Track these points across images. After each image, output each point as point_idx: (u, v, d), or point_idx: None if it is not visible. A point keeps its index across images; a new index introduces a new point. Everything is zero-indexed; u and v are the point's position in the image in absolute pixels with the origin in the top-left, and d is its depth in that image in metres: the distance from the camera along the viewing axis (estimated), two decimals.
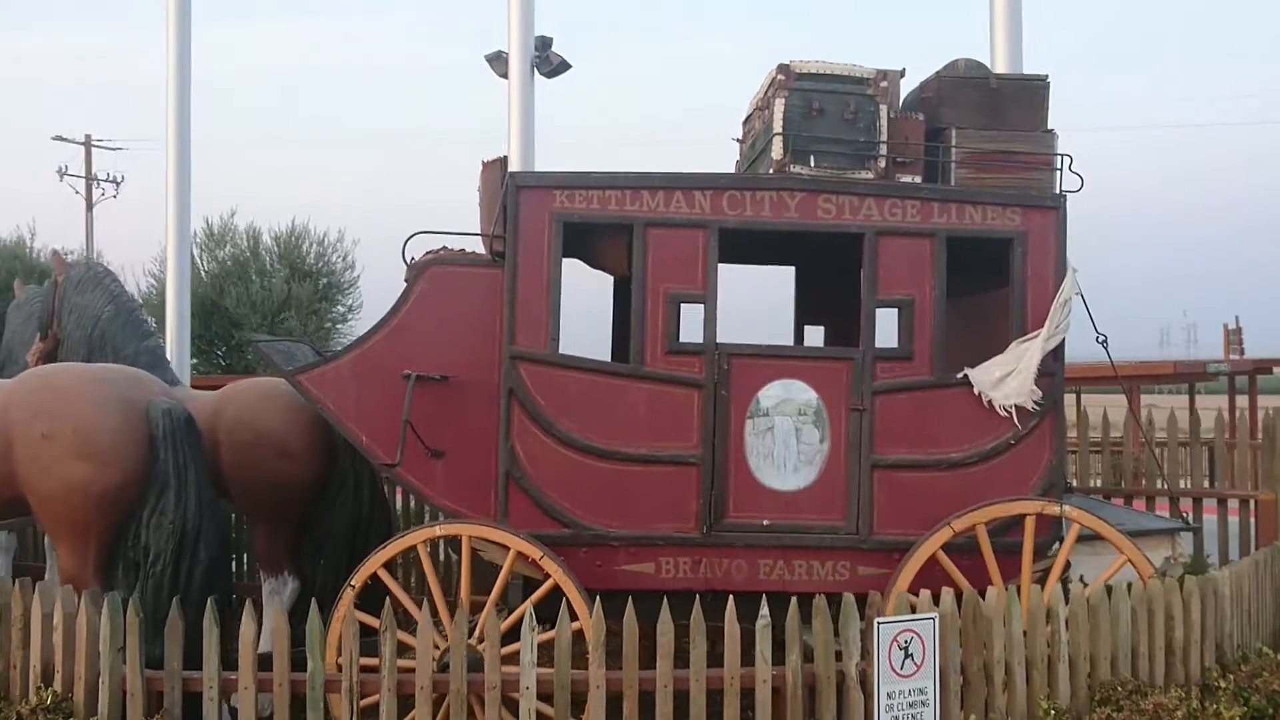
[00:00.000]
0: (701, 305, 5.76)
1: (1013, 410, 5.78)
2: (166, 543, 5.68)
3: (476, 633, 5.26)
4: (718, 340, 5.74)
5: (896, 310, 5.83)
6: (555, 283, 5.71)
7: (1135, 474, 8.58)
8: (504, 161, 5.87)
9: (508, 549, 5.46)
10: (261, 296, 25.60)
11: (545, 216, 5.70)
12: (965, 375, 5.82)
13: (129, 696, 4.33)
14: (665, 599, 4.76)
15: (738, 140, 6.92)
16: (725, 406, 5.73)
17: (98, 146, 37.04)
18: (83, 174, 36.61)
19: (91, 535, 5.69)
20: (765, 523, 5.73)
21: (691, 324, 5.88)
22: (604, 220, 5.77)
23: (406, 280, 6.01)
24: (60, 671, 4.44)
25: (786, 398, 5.78)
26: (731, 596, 4.90)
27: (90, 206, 36.77)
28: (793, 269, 7.59)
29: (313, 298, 26.80)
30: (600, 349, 7.09)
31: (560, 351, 5.71)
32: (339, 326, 28.17)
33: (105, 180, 37.11)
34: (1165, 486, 8.24)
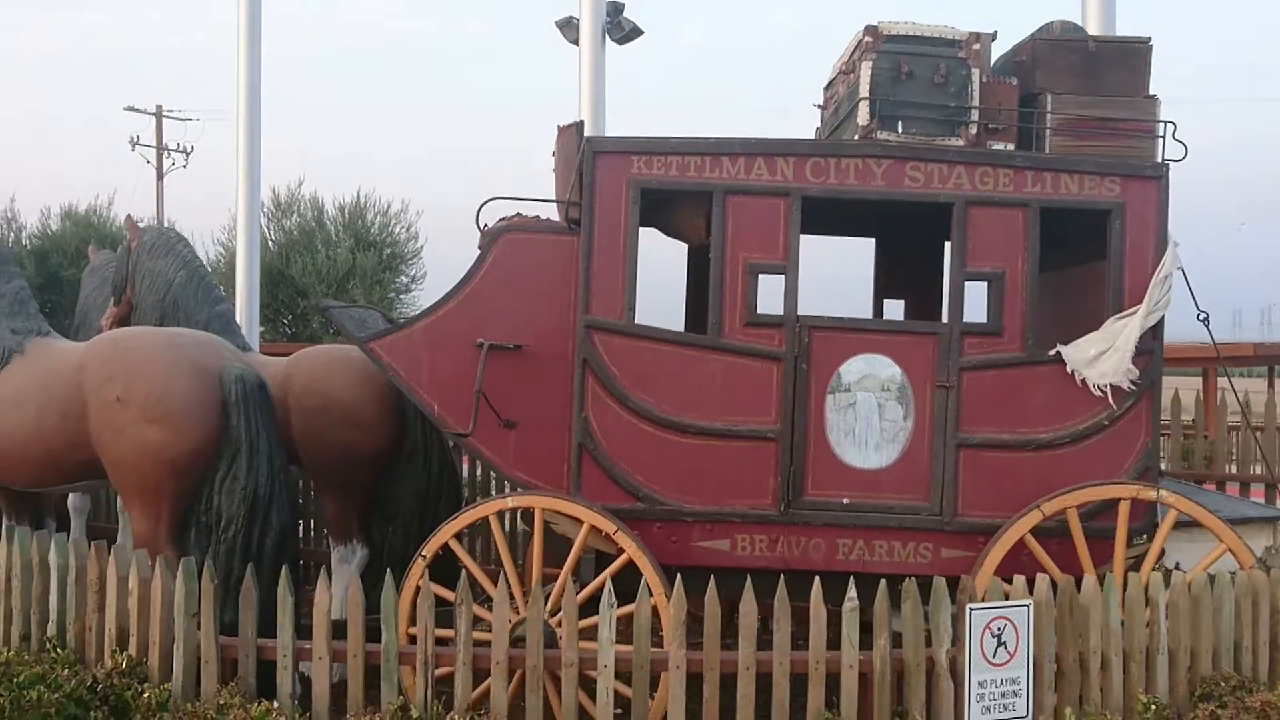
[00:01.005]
0: (782, 276, 5.58)
1: (1108, 390, 5.53)
2: (238, 509, 5.65)
3: (549, 607, 5.15)
4: (799, 312, 5.55)
5: (986, 284, 5.59)
6: (632, 251, 5.55)
7: (1208, 459, 8.25)
8: (580, 126, 5.71)
9: (581, 522, 5.35)
10: (326, 266, 25.86)
11: (622, 182, 5.54)
12: (1058, 352, 5.57)
13: (203, 663, 4.27)
14: (749, 578, 4.60)
15: (819, 106, 6.70)
16: (805, 381, 5.54)
17: (168, 117, 37.51)
18: (154, 144, 37.13)
19: (164, 500, 5.67)
20: (845, 501, 5.54)
21: (771, 295, 5.69)
22: (682, 187, 5.59)
23: (480, 247, 5.90)
24: (135, 636, 4.41)
25: (869, 373, 5.58)
26: (818, 577, 4.71)
27: (161, 176, 37.31)
28: (873, 241, 7.35)
29: (376, 268, 27.05)
30: (674, 319, 6.94)
31: (636, 321, 5.56)
32: (402, 297, 28.40)
33: (175, 150, 37.62)
34: (1262, 471, 7.90)
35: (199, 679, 4.32)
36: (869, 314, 7.34)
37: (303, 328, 24.95)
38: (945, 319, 5.78)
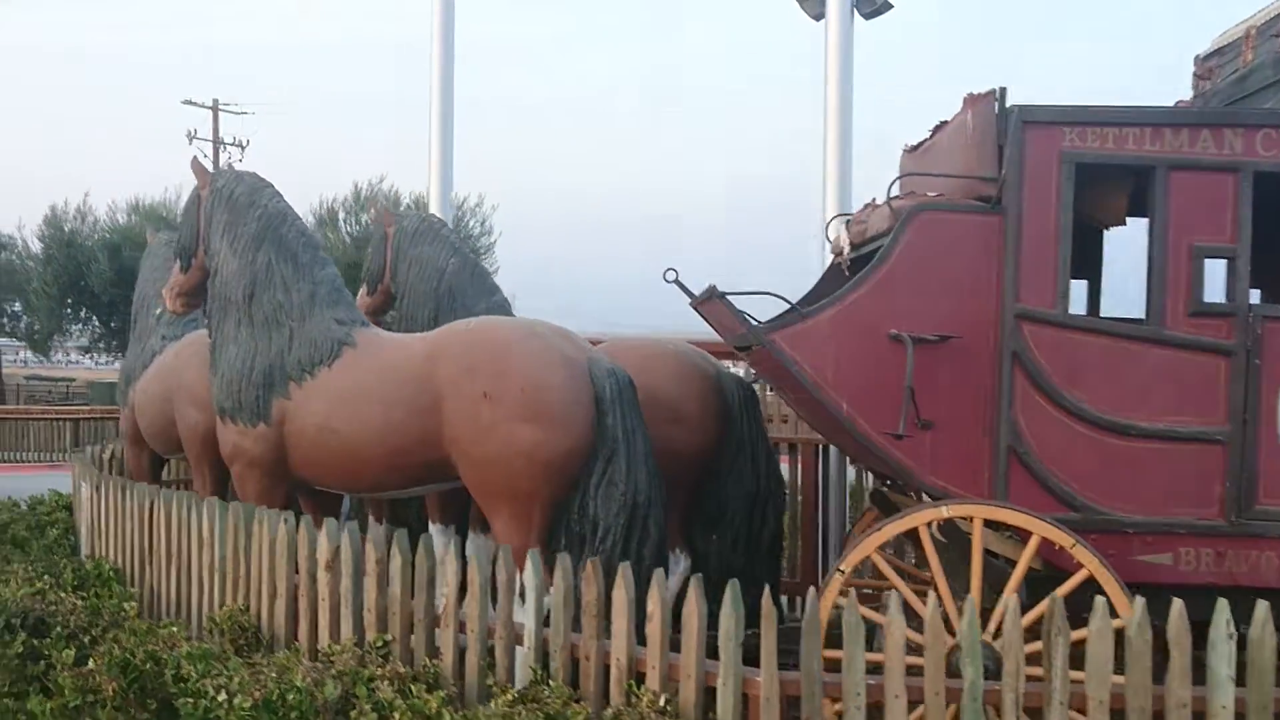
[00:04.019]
0: (1230, 260, 5.02)
1: None
2: (616, 516, 5.12)
3: (991, 627, 4.59)
4: (1250, 301, 5.00)
5: None
6: (1065, 232, 4.99)
7: None
8: (1000, 94, 5.14)
9: (1012, 534, 4.79)
10: None
11: (1053, 157, 4.99)
12: None
13: (763, 702, 3.68)
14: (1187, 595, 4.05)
15: (1199, 76, 6.13)
16: (1257, 377, 4.99)
17: (225, 111, 37.04)
18: (210, 138, 36.64)
19: (536, 505, 5.14)
20: None
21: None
22: (1121, 162, 5.02)
23: (859, 222, 5.35)
24: (657, 669, 3.81)
25: None
26: None
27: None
28: None
29: None
30: None
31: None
32: None
33: (231, 144, 37.15)
34: None
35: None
36: None
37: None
38: None
